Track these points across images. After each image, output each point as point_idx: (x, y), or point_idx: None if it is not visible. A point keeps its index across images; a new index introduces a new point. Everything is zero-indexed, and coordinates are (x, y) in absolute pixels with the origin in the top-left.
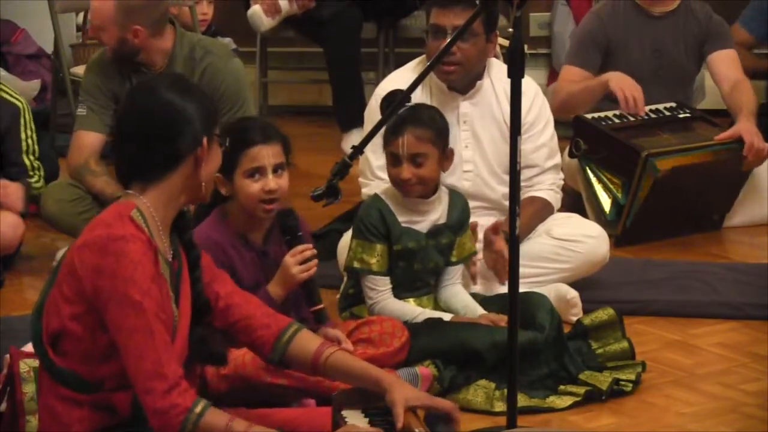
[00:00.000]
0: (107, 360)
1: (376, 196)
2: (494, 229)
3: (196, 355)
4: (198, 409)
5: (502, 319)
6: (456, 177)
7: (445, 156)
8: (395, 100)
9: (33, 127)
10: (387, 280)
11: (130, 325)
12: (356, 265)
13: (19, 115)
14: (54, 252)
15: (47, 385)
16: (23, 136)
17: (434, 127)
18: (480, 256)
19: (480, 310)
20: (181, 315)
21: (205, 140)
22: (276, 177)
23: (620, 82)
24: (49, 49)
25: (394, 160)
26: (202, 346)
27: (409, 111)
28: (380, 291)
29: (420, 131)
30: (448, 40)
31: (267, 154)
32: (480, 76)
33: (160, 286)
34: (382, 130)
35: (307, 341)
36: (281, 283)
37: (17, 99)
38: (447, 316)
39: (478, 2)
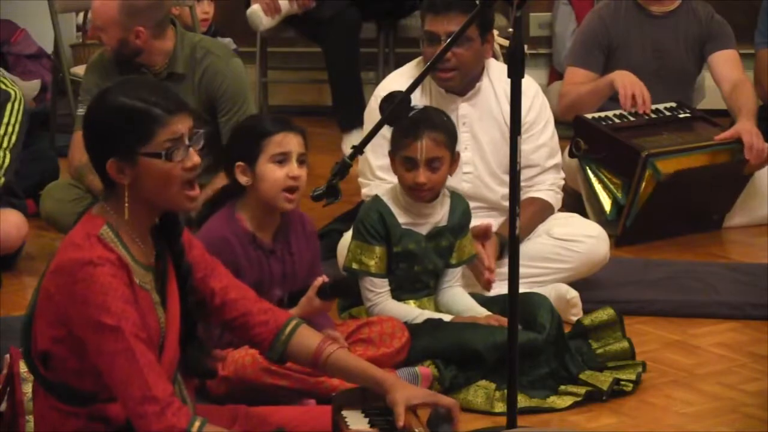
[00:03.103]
0: (98, 376)
1: (376, 197)
2: (484, 232)
3: (188, 371)
4: (194, 429)
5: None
6: (456, 179)
7: (454, 160)
8: (394, 101)
9: (20, 119)
10: (386, 281)
11: (111, 350)
12: (355, 266)
13: (8, 102)
14: (54, 252)
15: (42, 396)
16: (5, 120)
17: (447, 131)
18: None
19: (484, 312)
20: (169, 316)
21: (111, 162)
22: (299, 166)
23: (624, 80)
24: (49, 49)
25: (408, 165)
26: (194, 364)
27: (422, 114)
28: (379, 293)
29: (437, 135)
30: (443, 45)
31: (293, 141)
32: (478, 78)
33: (140, 301)
34: (385, 132)
35: (307, 338)
36: (303, 313)
37: (13, 89)
38: (447, 317)
39: (477, 3)
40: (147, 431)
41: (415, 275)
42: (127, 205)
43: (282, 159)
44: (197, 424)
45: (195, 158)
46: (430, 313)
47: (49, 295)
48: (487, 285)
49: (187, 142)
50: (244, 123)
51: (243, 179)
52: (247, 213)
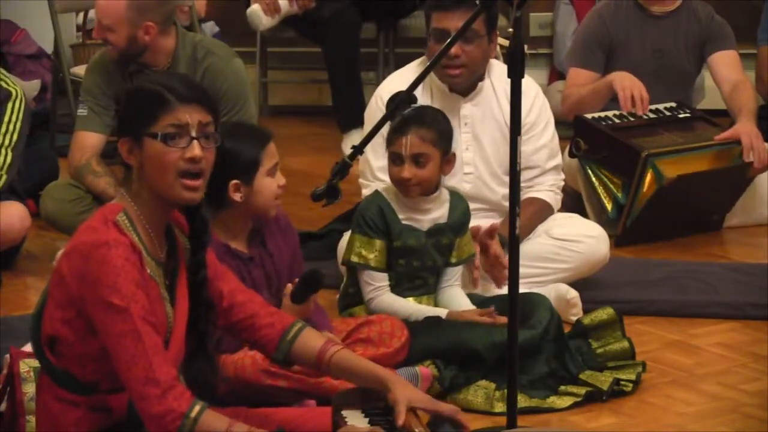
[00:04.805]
0: (101, 362)
1: (377, 192)
2: (490, 232)
3: (192, 382)
4: (194, 413)
5: (487, 313)
6: (457, 179)
7: (447, 160)
8: (400, 100)
9: (21, 117)
10: (385, 276)
11: (118, 331)
12: (355, 259)
13: (8, 100)
14: (54, 252)
15: (46, 386)
16: (5, 119)
17: (438, 129)
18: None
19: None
20: (177, 316)
21: (123, 141)
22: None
23: (622, 81)
24: (49, 49)
25: (395, 160)
26: (200, 377)
27: (414, 112)
28: (378, 287)
29: (423, 132)
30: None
31: (276, 150)
32: (481, 78)
33: (148, 290)
34: (385, 133)
35: (311, 339)
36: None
37: (14, 87)
38: (443, 312)
39: (478, 2)
40: (148, 413)
41: (414, 271)
42: (136, 187)
43: (274, 170)
44: (197, 408)
45: (195, 150)
46: (427, 308)
47: (61, 277)
48: (502, 282)
49: (193, 133)
50: (234, 141)
51: (237, 196)
52: (218, 226)
